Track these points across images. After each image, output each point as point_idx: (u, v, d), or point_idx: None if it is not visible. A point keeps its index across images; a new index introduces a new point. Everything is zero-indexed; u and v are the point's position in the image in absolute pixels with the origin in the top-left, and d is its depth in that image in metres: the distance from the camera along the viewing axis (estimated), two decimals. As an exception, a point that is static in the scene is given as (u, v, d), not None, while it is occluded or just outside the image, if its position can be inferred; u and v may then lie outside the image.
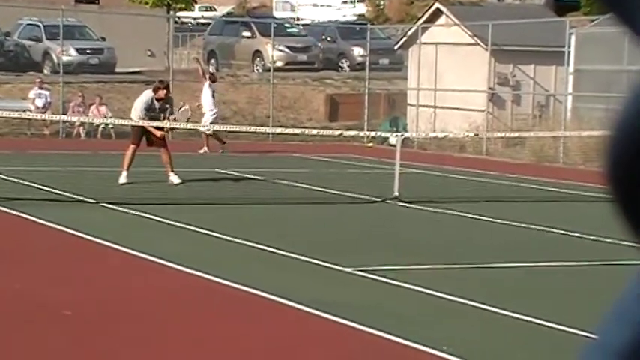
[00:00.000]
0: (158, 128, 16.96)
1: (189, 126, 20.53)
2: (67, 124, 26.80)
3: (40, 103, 27.40)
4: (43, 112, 25.68)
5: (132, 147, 16.94)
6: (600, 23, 27.82)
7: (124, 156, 16.97)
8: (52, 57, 32.86)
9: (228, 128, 21.99)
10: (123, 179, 16.82)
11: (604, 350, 0.61)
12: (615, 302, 0.62)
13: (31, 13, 34.00)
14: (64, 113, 26.22)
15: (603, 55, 25.16)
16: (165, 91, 16.84)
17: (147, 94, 17.04)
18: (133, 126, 17.55)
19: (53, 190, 15.57)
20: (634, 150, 0.64)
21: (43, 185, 16.09)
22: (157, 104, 16.81)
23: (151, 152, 17.53)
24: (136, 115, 16.95)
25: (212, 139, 24.08)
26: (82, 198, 14.79)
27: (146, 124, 16.73)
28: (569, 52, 25.53)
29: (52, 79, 29.70)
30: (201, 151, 23.86)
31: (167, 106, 17.02)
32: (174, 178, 17.06)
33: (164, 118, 16.96)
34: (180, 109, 18.85)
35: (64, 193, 15.26)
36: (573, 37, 25.96)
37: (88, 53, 33.36)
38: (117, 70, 33.74)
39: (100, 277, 9.39)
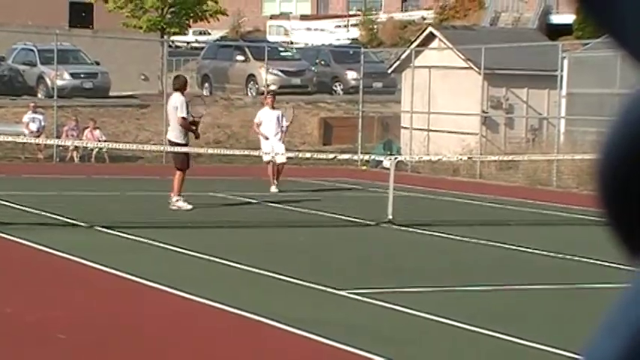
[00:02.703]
0: (192, 123, 16.79)
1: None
2: (61, 148, 26.79)
3: (33, 127, 27.41)
4: (37, 136, 25.68)
5: (180, 173, 16.49)
6: (592, 47, 27.93)
7: (174, 181, 16.63)
8: (46, 81, 32.90)
9: (223, 152, 22.00)
10: (185, 205, 16.54)
11: None
12: (605, 316, 0.63)
13: (25, 37, 34.06)
14: (58, 137, 26.22)
15: (596, 78, 25.26)
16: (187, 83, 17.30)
17: (179, 97, 16.84)
18: (177, 152, 16.78)
19: (46, 214, 15.55)
20: (624, 172, 0.65)
21: (37, 209, 16.06)
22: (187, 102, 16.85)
23: (147, 175, 17.50)
24: (183, 112, 16.49)
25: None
26: (75, 222, 14.77)
27: (189, 128, 16.46)
28: (561, 76, 25.62)
29: (45, 103, 29.71)
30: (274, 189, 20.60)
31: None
32: (183, 204, 16.66)
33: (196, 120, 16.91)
34: (190, 101, 18.44)
35: (58, 217, 15.24)
36: (566, 61, 26.06)
37: (82, 77, 33.41)
38: (111, 94, 33.79)
39: (92, 300, 9.36)
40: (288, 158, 20.75)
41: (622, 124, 0.65)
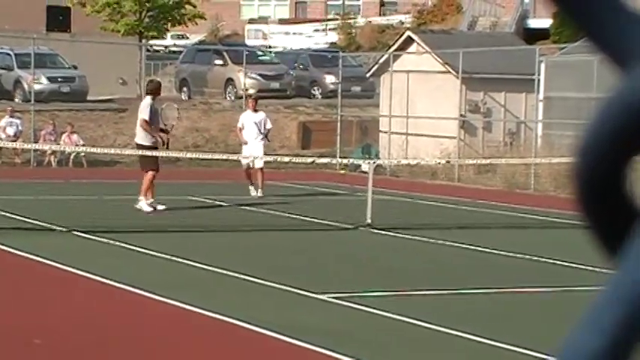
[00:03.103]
0: (162, 130, 16.94)
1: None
2: (39, 152, 26.67)
3: (11, 131, 27.27)
4: (14, 141, 25.56)
5: (149, 174, 16.67)
6: (569, 51, 28.07)
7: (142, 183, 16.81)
8: (24, 85, 32.75)
9: (201, 156, 21.96)
10: (145, 207, 16.71)
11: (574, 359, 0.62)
12: (583, 315, 0.63)
13: (2, 41, 33.89)
14: (36, 141, 26.11)
15: (573, 82, 25.39)
16: (160, 88, 17.49)
17: (146, 100, 17.08)
18: (142, 155, 16.92)
19: (24, 219, 15.47)
20: (601, 173, 0.65)
21: (14, 214, 15.98)
22: (155, 106, 16.99)
23: (125, 179, 17.45)
24: (144, 115, 16.67)
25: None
26: (53, 226, 14.71)
27: (148, 131, 16.60)
28: (539, 80, 25.73)
29: (23, 107, 29.58)
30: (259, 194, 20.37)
31: (159, 110, 17.26)
32: (145, 205, 16.88)
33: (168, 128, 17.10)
34: (164, 106, 18.53)
35: (35, 222, 15.17)
36: (543, 65, 26.17)
37: (59, 81, 33.27)
38: (89, 98, 33.66)
39: (69, 305, 9.32)
40: (266, 162, 20.74)
41: (598, 125, 0.66)
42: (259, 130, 20.52)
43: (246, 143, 20.43)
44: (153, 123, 16.81)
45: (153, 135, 16.80)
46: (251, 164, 20.25)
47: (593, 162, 0.66)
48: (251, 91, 33.45)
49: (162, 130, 17.10)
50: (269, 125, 21.03)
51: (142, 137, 16.86)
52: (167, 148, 17.28)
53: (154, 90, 17.32)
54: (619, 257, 0.67)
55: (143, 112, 16.80)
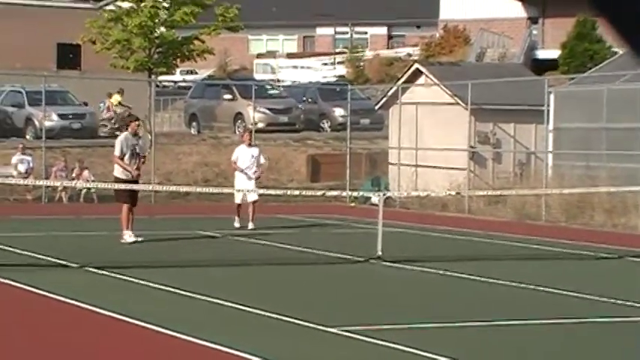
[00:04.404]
0: (138, 168, 17.51)
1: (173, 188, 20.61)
2: (50, 188, 26.77)
3: (22, 168, 27.39)
4: (26, 177, 25.66)
5: (124, 207, 17.24)
6: (578, 82, 28.12)
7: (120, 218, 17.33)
8: (35, 122, 32.93)
9: (211, 190, 22.02)
10: (127, 238, 17.22)
11: None
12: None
13: (13, 79, 34.12)
14: (47, 178, 26.20)
15: (582, 113, 25.39)
16: (137, 122, 17.81)
17: (122, 135, 17.71)
18: (116, 190, 17.70)
19: (36, 255, 15.51)
20: None
21: (26, 250, 16.02)
22: (133, 140, 17.40)
23: (136, 215, 17.51)
24: (115, 150, 17.36)
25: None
26: (64, 262, 14.73)
27: (122, 166, 17.23)
28: (548, 111, 25.74)
29: (34, 144, 29.72)
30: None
31: (140, 144, 17.67)
32: (128, 237, 17.30)
33: (141, 156, 17.55)
34: (142, 136, 18.96)
35: (47, 258, 15.21)
36: (552, 96, 26.20)
37: (70, 118, 33.46)
38: (99, 134, 33.82)
39: (85, 341, 9.33)
40: (276, 196, 20.80)
41: None
42: (253, 165, 20.71)
43: (241, 170, 20.64)
44: (133, 156, 17.27)
45: (125, 169, 17.26)
46: (244, 198, 20.48)
47: None
48: (259, 125, 33.57)
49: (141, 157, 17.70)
50: (262, 160, 21.20)
51: (117, 171, 17.54)
52: (136, 182, 17.55)
53: (127, 124, 17.96)
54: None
55: (115, 147, 17.51)
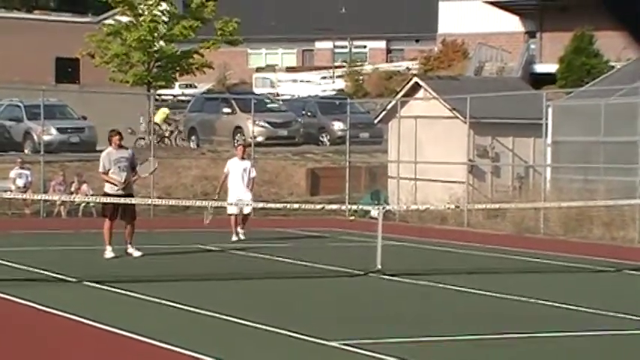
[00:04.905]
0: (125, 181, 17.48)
1: (172, 202, 20.63)
2: (48, 203, 26.76)
3: (20, 182, 27.38)
4: (24, 192, 25.66)
5: (105, 222, 17.37)
6: (576, 96, 28.16)
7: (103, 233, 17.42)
8: (33, 136, 32.94)
9: (211, 204, 22.01)
10: (107, 253, 17.23)
11: None
12: None
13: (12, 93, 34.15)
14: (45, 192, 26.19)
15: (580, 126, 25.43)
16: (118, 136, 17.65)
17: (105, 150, 17.78)
18: (104, 203, 17.66)
19: (34, 270, 15.49)
20: None
21: (24, 265, 16.01)
22: (117, 154, 17.37)
23: (135, 229, 17.50)
24: (100, 167, 17.46)
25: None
26: (63, 276, 14.72)
27: (107, 180, 17.36)
28: (546, 124, 25.78)
29: (32, 158, 29.71)
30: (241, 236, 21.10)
31: (126, 156, 17.53)
32: (135, 252, 17.45)
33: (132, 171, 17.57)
34: (144, 163, 18.92)
35: (45, 272, 15.19)
36: (550, 110, 26.23)
37: (68, 132, 33.47)
38: (98, 148, 33.78)
39: (77, 355, 9.31)
40: (275, 209, 20.84)
41: None
42: (244, 178, 20.81)
43: (225, 192, 20.77)
44: (121, 170, 17.29)
45: (110, 181, 17.34)
46: (239, 211, 20.57)
47: None
48: (259, 139, 33.60)
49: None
50: (253, 174, 21.32)
51: (106, 186, 17.63)
52: (131, 196, 17.56)
53: (108, 139, 17.82)
54: None
55: (100, 163, 17.61)
